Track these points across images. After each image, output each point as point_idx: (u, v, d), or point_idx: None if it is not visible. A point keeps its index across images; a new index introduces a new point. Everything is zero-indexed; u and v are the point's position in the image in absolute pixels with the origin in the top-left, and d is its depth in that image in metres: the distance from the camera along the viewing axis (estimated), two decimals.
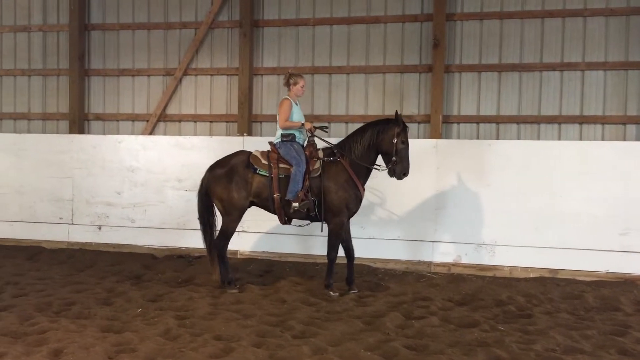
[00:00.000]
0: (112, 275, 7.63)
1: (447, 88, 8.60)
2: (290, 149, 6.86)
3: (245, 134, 9.05)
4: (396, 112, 6.84)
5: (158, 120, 9.58)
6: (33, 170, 9.36)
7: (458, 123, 8.64)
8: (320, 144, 7.00)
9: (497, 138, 8.47)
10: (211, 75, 9.50)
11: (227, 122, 9.43)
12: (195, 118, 9.54)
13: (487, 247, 7.98)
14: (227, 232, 7.13)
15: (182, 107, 9.59)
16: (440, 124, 8.50)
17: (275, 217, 8.36)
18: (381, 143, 6.79)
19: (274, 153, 6.93)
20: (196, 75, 9.54)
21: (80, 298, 6.44)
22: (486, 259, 7.99)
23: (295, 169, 6.76)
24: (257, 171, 6.90)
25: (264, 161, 6.91)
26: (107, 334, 5.21)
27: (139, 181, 9.10)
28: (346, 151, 6.88)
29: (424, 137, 8.68)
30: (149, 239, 9.09)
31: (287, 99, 7.02)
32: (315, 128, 7.03)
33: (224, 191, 6.97)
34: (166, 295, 6.69)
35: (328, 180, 6.83)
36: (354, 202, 6.92)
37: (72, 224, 9.00)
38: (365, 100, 8.97)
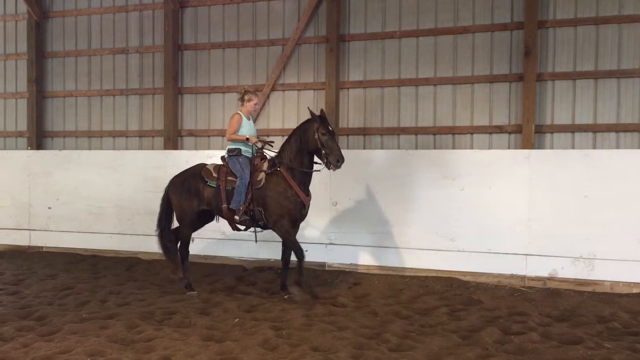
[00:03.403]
0: (206, 285, 7.88)
1: (540, 97, 8.36)
2: (235, 162, 7.27)
3: None
4: (309, 109, 7.18)
5: None
6: (130, 185, 9.81)
7: (551, 133, 8.37)
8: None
9: (594, 147, 8.13)
10: (298, 90, 9.68)
11: None
12: (283, 132, 9.70)
13: (586, 261, 7.65)
14: (181, 236, 7.74)
15: (270, 121, 9.82)
16: (533, 134, 8.26)
17: (366, 230, 8.51)
18: (307, 143, 7.01)
19: (224, 167, 7.39)
20: (284, 90, 9.75)
21: (180, 307, 6.68)
22: (584, 273, 7.66)
23: (238, 181, 7.18)
24: (207, 183, 7.42)
25: (214, 174, 7.42)
26: (209, 343, 5.38)
27: None
28: (283, 160, 7.16)
29: (515, 148, 8.45)
30: (239, 251, 9.32)
31: (238, 113, 7.44)
32: (263, 142, 7.43)
33: (178, 199, 7.61)
34: (260, 306, 6.83)
35: (269, 191, 7.14)
36: (296, 209, 7.14)
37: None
38: (453, 111, 8.86)
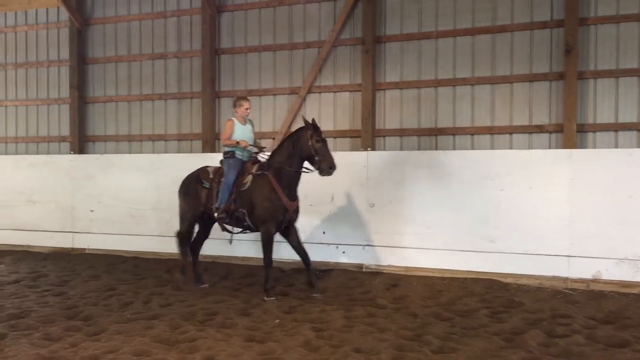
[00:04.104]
0: (245, 287, 7.95)
1: (581, 95, 8.20)
2: (226, 164, 7.62)
3: (369, 149, 9.13)
4: (303, 117, 7.41)
5: None
6: (169, 188, 9.87)
7: (594, 132, 8.20)
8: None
9: (639, 147, 7.94)
10: (334, 92, 9.69)
11: (350, 137, 9.57)
12: None
13: (631, 263, 7.48)
14: (182, 235, 8.08)
15: None
16: (575, 133, 8.11)
17: (403, 231, 8.49)
18: (302, 150, 7.19)
19: (221, 169, 7.74)
20: (320, 92, 9.78)
21: (220, 308, 6.75)
22: (630, 275, 7.49)
23: (223, 181, 7.51)
24: (203, 184, 7.78)
25: (211, 175, 7.79)
26: (251, 344, 5.43)
27: None
28: (272, 164, 7.37)
29: (556, 147, 8.31)
30: (276, 253, 9.32)
31: (231, 120, 7.77)
32: (256, 147, 7.76)
33: (180, 201, 8.07)
34: (299, 307, 6.86)
35: (254, 193, 7.38)
36: (280, 212, 7.31)
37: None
38: (492, 111, 8.75)
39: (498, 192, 8.14)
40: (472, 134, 8.85)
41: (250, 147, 7.73)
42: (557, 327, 5.98)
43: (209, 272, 8.84)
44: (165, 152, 10.89)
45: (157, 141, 11.05)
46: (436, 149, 8.99)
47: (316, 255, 9.10)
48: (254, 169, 7.52)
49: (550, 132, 8.43)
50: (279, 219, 7.36)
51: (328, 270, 8.83)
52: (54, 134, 11.85)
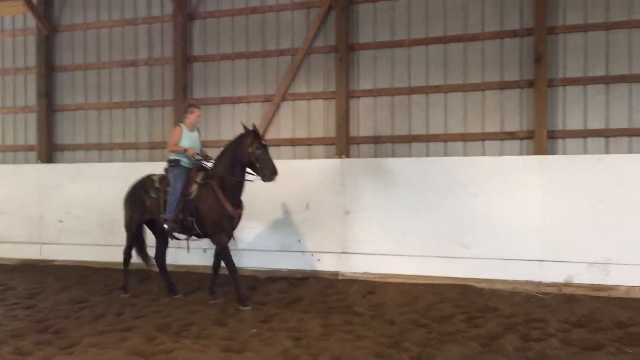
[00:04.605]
0: (221, 296, 7.85)
1: (551, 102, 8.34)
2: (172, 173, 7.61)
3: (343, 156, 9.14)
4: (242, 124, 7.45)
5: None
6: None
7: (563, 138, 8.34)
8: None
9: (607, 152, 8.11)
10: (308, 99, 9.68)
11: (325, 144, 9.55)
12: (293, 142, 9.73)
13: (601, 266, 7.64)
14: (127, 244, 8.16)
15: (281, 131, 9.82)
16: (545, 140, 8.24)
17: (378, 238, 8.52)
18: (242, 157, 7.22)
19: (165, 177, 7.71)
20: (294, 100, 9.75)
21: (196, 319, 6.67)
22: (600, 279, 7.65)
23: (170, 191, 7.53)
24: (150, 194, 7.78)
25: (156, 185, 7.77)
26: (229, 354, 5.37)
27: None
28: (215, 173, 7.40)
29: (528, 154, 8.43)
30: (251, 261, 9.32)
31: (179, 126, 7.79)
32: (202, 155, 7.77)
33: (126, 210, 8.09)
34: (276, 316, 6.81)
35: (199, 202, 7.40)
36: (224, 220, 7.33)
37: (179, 247, 9.20)
38: (464, 118, 8.84)
39: (472, 198, 8.23)
40: (445, 141, 8.93)
41: (197, 155, 7.75)
42: (532, 331, 6.06)
43: (181, 282, 8.73)
44: (136, 160, 10.72)
45: (128, 150, 10.87)
46: (410, 155, 9.04)
47: (292, 263, 9.10)
48: (199, 177, 7.54)
49: (521, 139, 8.56)
50: (225, 227, 7.39)
51: (304, 279, 8.79)
52: (20, 143, 11.58)
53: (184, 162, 7.67)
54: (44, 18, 11.10)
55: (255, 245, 9.32)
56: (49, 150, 11.21)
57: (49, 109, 11.22)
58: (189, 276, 9.03)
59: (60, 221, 10.54)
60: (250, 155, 7.14)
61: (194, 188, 7.49)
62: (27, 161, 11.43)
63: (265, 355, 5.28)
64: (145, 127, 10.77)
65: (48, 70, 11.20)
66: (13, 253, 10.76)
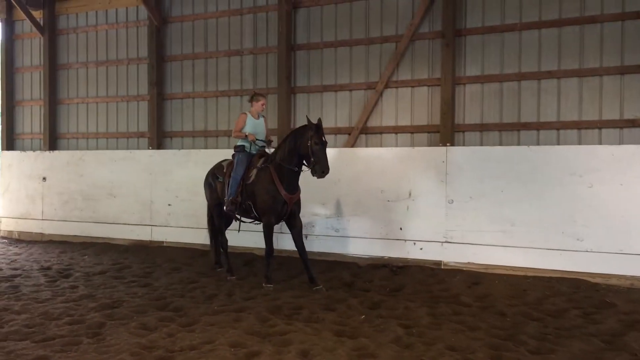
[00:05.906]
0: (324, 282, 7.92)
1: None
2: (237, 158, 8.07)
3: (448, 144, 8.97)
4: (307, 117, 7.63)
5: (360, 133, 9.84)
6: None
7: None
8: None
9: None
10: (412, 87, 9.54)
11: (428, 132, 9.41)
12: (397, 130, 9.64)
13: None
14: (212, 222, 8.86)
15: (383, 119, 9.76)
16: None
17: (484, 228, 8.30)
18: (300, 147, 7.42)
19: (233, 162, 8.15)
20: (397, 87, 9.64)
21: (304, 303, 6.77)
22: None
23: (232, 175, 7.95)
24: (218, 178, 8.35)
25: (224, 170, 8.30)
26: (343, 339, 5.41)
27: (342, 192, 9.43)
28: (274, 158, 7.69)
29: None
30: (354, 248, 9.37)
31: (244, 113, 8.22)
32: (264, 141, 8.18)
33: (205, 192, 8.78)
34: (383, 303, 6.81)
35: (257, 186, 7.76)
36: (278, 204, 7.60)
37: (281, 232, 9.42)
38: (579, 105, 8.42)
39: (586, 188, 7.85)
40: (558, 129, 8.55)
41: (258, 141, 8.09)
42: None
43: (285, 266, 8.90)
44: None
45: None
46: (519, 144, 8.73)
47: (393, 251, 9.07)
48: (260, 162, 7.89)
49: None
50: (278, 211, 7.62)
51: (404, 267, 8.75)
52: (132, 130, 12.19)
53: (248, 147, 8.09)
54: (156, 10, 11.58)
55: (357, 233, 9.35)
56: (159, 136, 11.72)
57: (159, 97, 11.72)
58: (290, 262, 9.15)
59: (169, 205, 11.02)
60: (308, 148, 7.31)
61: (253, 172, 7.87)
62: (139, 147, 12.02)
63: (379, 342, 5.28)
64: None
65: (159, 60, 11.69)
66: (126, 234, 11.40)
